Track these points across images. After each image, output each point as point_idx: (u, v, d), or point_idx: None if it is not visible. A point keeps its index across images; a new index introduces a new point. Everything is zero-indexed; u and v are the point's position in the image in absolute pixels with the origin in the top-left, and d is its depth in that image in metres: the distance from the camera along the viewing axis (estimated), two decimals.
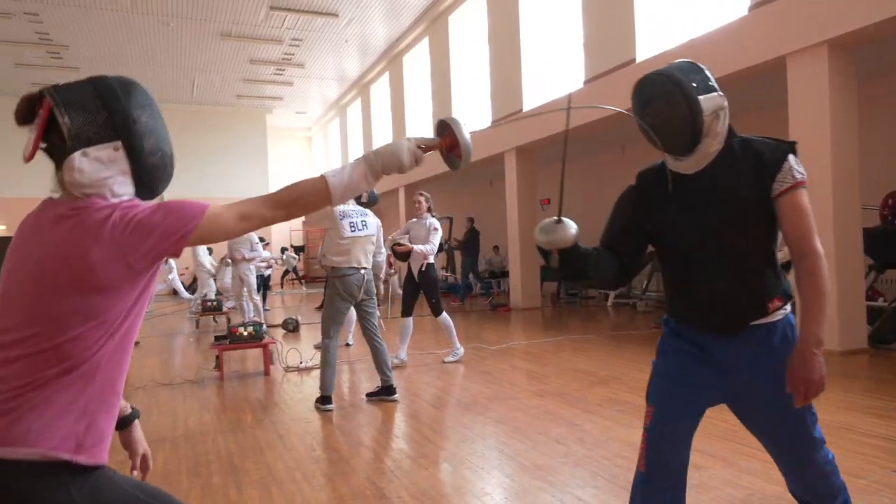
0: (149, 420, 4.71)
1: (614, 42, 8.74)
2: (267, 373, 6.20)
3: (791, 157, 1.72)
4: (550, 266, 1.87)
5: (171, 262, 15.19)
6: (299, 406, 4.98)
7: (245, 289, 9.77)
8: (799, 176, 1.70)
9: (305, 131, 27.20)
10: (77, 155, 1.24)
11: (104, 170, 1.26)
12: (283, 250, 18.14)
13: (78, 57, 16.71)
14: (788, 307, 1.78)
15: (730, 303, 1.74)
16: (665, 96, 1.72)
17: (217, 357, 6.13)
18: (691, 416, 1.80)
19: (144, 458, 1.63)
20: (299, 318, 9.60)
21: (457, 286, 14.76)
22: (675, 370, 1.83)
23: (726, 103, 1.75)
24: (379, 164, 1.43)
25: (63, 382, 1.19)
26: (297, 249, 22.42)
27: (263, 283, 11.02)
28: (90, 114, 1.26)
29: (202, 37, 15.76)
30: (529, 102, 11.08)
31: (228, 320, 9.54)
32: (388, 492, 3.10)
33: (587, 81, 9.32)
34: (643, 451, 1.79)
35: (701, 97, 1.69)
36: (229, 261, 10.46)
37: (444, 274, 13.92)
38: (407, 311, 6.41)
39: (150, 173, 1.35)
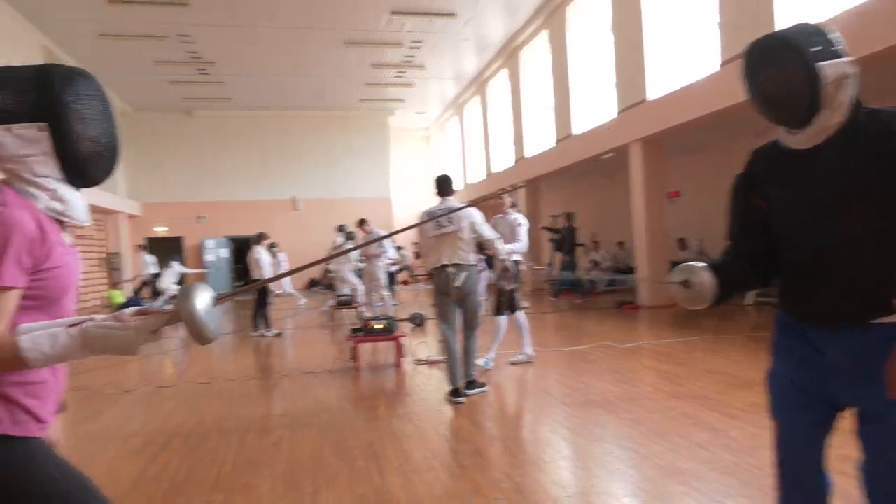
0: (295, 404, 5.08)
1: (755, 19, 8.15)
2: (398, 365, 6.45)
3: None
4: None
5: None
6: (431, 398, 5.14)
7: (374, 284, 10.23)
8: None
9: (424, 131, 27.86)
10: (1, 129, 1.31)
11: (25, 147, 1.31)
12: (399, 248, 18.75)
13: (223, 72, 18.26)
14: None
15: (847, 297, 1.54)
16: (779, 62, 1.53)
17: (353, 349, 6.47)
18: (820, 423, 1.64)
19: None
20: (424, 314, 9.88)
21: (578, 282, 14.47)
22: (792, 374, 1.66)
23: (854, 71, 1.52)
24: (100, 347, 1.27)
25: None
26: None
27: (390, 280, 11.46)
28: (20, 93, 1.32)
29: (329, 46, 16.64)
30: (654, 91, 10.62)
31: (360, 315, 10.03)
32: (524, 486, 3.12)
33: (724, 63, 8.77)
34: (777, 471, 1.67)
35: (822, 63, 1.49)
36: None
37: (538, 268, 13.60)
38: (498, 310, 6.23)
39: (77, 159, 1.37)
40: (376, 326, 6.42)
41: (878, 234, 1.53)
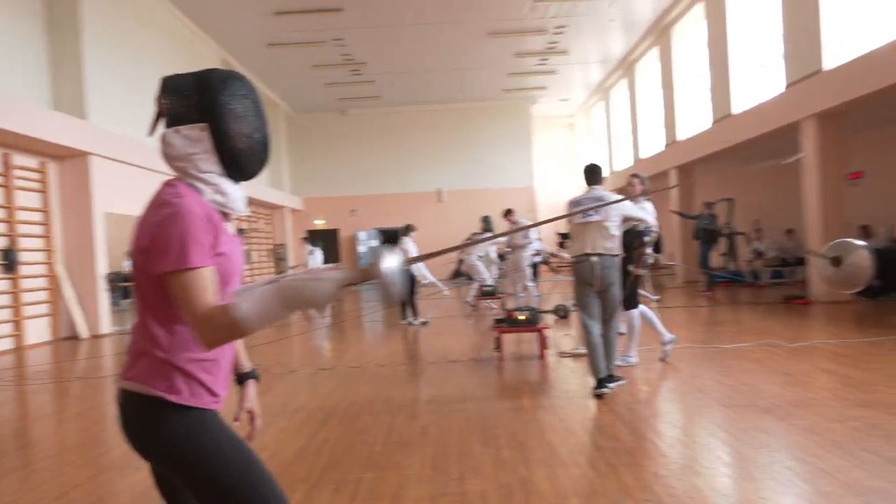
0: (442, 391, 5.21)
1: None
2: (542, 356, 6.38)
3: None
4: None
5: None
6: (575, 391, 5.01)
7: (518, 275, 10.21)
8: None
9: (568, 118, 27.24)
10: (170, 131, 1.46)
11: (191, 146, 1.44)
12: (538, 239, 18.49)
13: (373, 71, 19.18)
14: None
15: None
16: None
17: (497, 339, 6.50)
18: None
19: (251, 413, 1.79)
20: (569, 305, 9.68)
21: (738, 274, 13.35)
22: None
23: None
24: (295, 302, 1.31)
25: (158, 342, 1.42)
26: (564, 237, 22.69)
27: (534, 271, 11.38)
28: (185, 97, 1.45)
29: (472, 38, 16.81)
30: (832, 60, 9.43)
31: (503, 305, 10.07)
32: (679, 491, 2.93)
33: None
34: None
35: None
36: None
37: (669, 263, 12.58)
38: (630, 303, 5.69)
39: (234, 155, 1.47)
40: (519, 317, 6.39)
41: None
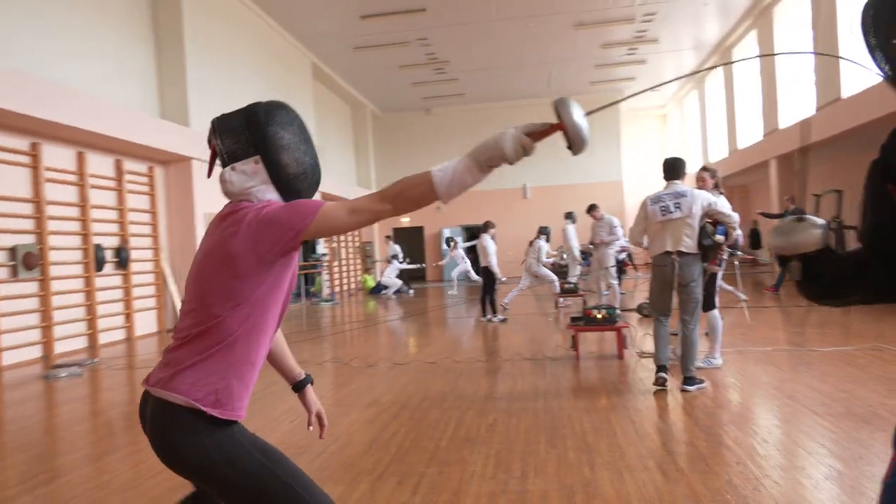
0: (514, 388, 5.18)
1: None
2: (620, 356, 6.18)
3: None
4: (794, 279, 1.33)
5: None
6: (658, 394, 4.82)
7: (602, 272, 9.95)
8: None
9: (659, 109, 26.19)
10: (227, 169, 1.55)
11: (248, 180, 1.53)
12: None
13: (457, 69, 19.30)
14: None
15: None
16: None
17: (573, 337, 6.37)
18: None
19: (319, 416, 1.87)
20: None
21: None
22: None
23: None
24: (483, 156, 1.38)
25: (209, 353, 1.46)
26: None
27: (619, 268, 11.05)
28: (236, 135, 1.54)
29: (557, 31, 16.51)
30: None
31: (584, 302, 9.86)
32: (754, 502, 2.75)
33: None
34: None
35: None
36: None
37: (749, 257, 11.64)
38: (707, 304, 5.33)
39: (288, 182, 1.55)
40: (598, 315, 6.23)
41: None
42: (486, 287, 9.82)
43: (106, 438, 4.46)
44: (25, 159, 8.12)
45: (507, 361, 6.42)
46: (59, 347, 8.47)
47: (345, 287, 20.05)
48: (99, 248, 9.21)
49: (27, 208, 8.12)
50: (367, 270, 21.74)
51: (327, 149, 19.84)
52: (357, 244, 21.99)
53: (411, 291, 17.50)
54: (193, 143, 10.92)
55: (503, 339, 8.09)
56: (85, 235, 9.05)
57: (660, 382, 4.73)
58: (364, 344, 8.49)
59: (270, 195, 1.55)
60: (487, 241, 9.88)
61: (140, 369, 7.26)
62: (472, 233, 21.02)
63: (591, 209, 10.56)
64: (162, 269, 10.77)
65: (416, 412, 4.58)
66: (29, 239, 8.08)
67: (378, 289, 17.97)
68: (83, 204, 9.05)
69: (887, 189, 1.21)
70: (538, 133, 1.40)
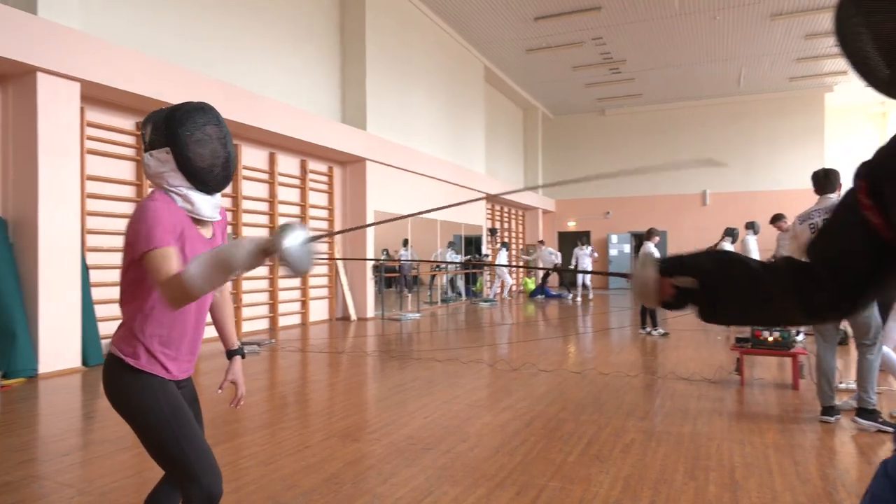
0: (660, 408, 4.80)
1: None
2: (795, 387, 5.44)
3: None
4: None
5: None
6: (831, 434, 4.17)
7: None
8: None
9: (878, 106, 22.71)
10: (146, 154, 1.84)
11: (160, 166, 1.81)
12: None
13: (633, 68, 18.46)
14: None
15: None
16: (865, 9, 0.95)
17: (738, 360, 5.74)
18: None
19: (233, 384, 2.21)
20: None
21: None
22: None
23: None
24: (225, 262, 1.50)
25: (134, 318, 1.82)
26: None
27: None
28: (157, 128, 1.82)
29: (750, 24, 15.06)
30: None
31: None
32: None
33: None
34: None
35: None
36: None
37: None
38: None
39: (195, 173, 1.81)
40: (768, 338, 5.54)
41: None
42: None
43: (279, 409, 4.93)
44: None
45: (660, 379, 5.97)
46: (246, 327, 9.56)
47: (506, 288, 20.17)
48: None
49: (226, 202, 9.28)
50: (527, 273, 21.65)
51: (496, 152, 20.10)
52: (521, 247, 22.00)
53: (571, 296, 17.07)
54: (369, 145, 11.69)
55: (660, 355, 7.55)
56: (272, 229, 10.12)
57: (824, 422, 4.29)
58: (511, 347, 8.44)
59: (178, 181, 1.82)
60: (650, 249, 9.29)
61: (311, 352, 7.93)
62: (640, 239, 19.97)
63: (777, 219, 9.44)
64: (335, 261, 11.67)
65: (549, 422, 4.44)
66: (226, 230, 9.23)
67: (537, 292, 17.82)
68: (272, 199, 10.12)
69: (864, 214, 1.14)
70: (263, 249, 1.50)
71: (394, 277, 13.24)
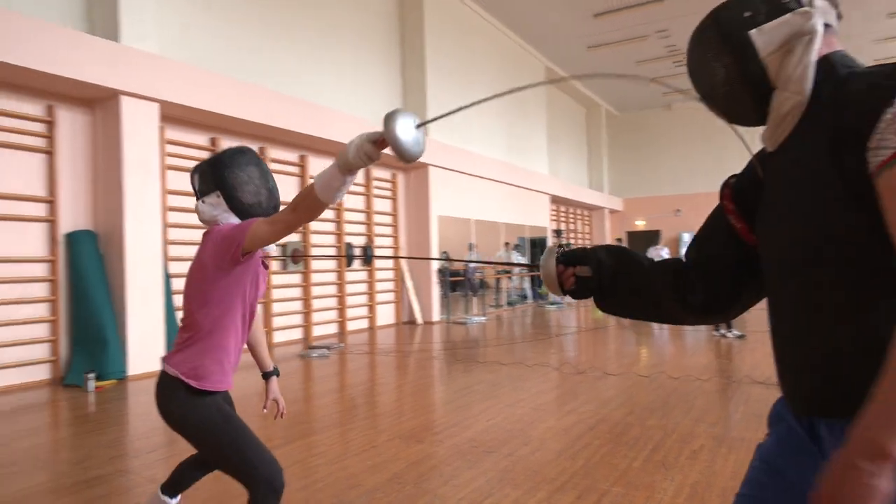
0: (734, 414, 4.63)
1: None
2: None
3: None
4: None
5: None
6: None
7: None
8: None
9: None
10: (198, 202, 2.09)
11: (213, 210, 2.06)
12: None
13: None
14: None
15: (817, 365, 1.02)
16: (704, 44, 1.17)
17: None
18: None
19: (275, 402, 2.44)
20: None
21: None
22: (773, 452, 1.18)
23: (815, 25, 1.04)
24: (341, 161, 1.53)
25: (193, 343, 2.03)
26: None
27: None
28: (205, 176, 2.07)
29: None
30: None
31: None
32: None
33: None
34: None
35: (753, 30, 1.08)
36: None
37: None
38: None
39: (243, 210, 2.06)
40: None
41: (856, 266, 0.97)
42: None
43: (347, 410, 5.09)
44: (295, 169, 9.63)
45: (734, 383, 5.75)
46: (316, 331, 9.88)
47: None
48: (349, 246, 10.52)
49: None
50: None
51: (558, 152, 19.88)
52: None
53: None
54: (431, 151, 11.83)
55: (735, 358, 7.27)
56: (338, 235, 10.42)
57: None
58: (578, 350, 8.33)
59: (233, 219, 2.05)
60: None
61: (379, 355, 8.11)
62: None
63: None
64: (400, 266, 11.88)
65: (615, 427, 4.37)
66: (296, 237, 9.57)
67: None
68: (338, 207, 10.42)
69: (728, 218, 1.28)
70: (378, 142, 1.47)
71: (459, 281, 13.32)
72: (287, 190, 9.46)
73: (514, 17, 14.72)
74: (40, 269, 6.45)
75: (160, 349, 6.99)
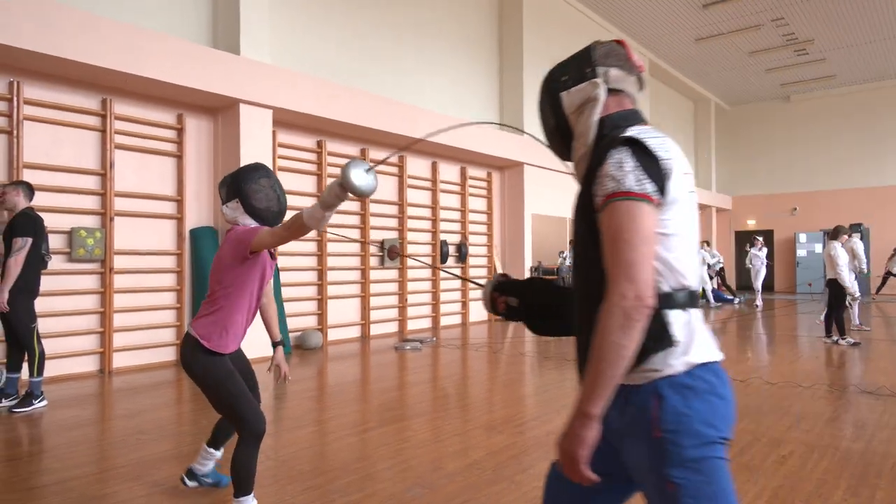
0: (830, 421, 4.40)
1: None
2: None
3: (617, 153, 1.28)
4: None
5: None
6: None
7: None
8: (612, 185, 1.25)
9: None
10: (223, 206, 2.77)
11: (234, 212, 2.73)
12: None
13: (823, 48, 16.60)
14: (666, 367, 1.26)
15: (581, 352, 1.37)
16: (540, 96, 1.55)
17: None
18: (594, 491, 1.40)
19: (277, 367, 3.04)
20: None
21: None
22: None
23: (599, 93, 1.40)
24: (322, 200, 2.16)
25: (210, 312, 2.67)
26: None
27: None
28: (228, 187, 2.74)
29: None
30: None
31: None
32: None
33: None
34: None
35: (563, 92, 1.46)
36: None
37: None
38: None
39: (259, 215, 2.72)
40: None
41: (595, 276, 1.31)
42: (833, 303, 8.34)
43: (437, 399, 5.35)
44: (394, 169, 10.05)
45: (837, 391, 5.43)
46: (410, 325, 10.26)
47: None
48: (444, 243, 10.82)
49: (393, 209, 10.05)
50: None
51: None
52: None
53: (738, 301, 15.65)
54: (527, 150, 11.90)
55: (845, 366, 6.81)
56: (434, 232, 10.75)
57: None
58: None
59: (248, 221, 2.72)
60: (836, 249, 8.37)
61: (470, 350, 8.34)
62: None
63: None
64: (494, 263, 12.05)
65: None
66: (393, 234, 10.00)
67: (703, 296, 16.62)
68: (434, 206, 10.75)
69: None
70: (335, 190, 2.11)
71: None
72: (387, 191, 9.90)
73: (617, 12, 14.42)
74: (169, 262, 7.23)
75: (264, 335, 7.58)
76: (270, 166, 7.74)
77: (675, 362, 1.27)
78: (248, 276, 2.64)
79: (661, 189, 1.26)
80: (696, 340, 1.29)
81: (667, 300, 1.28)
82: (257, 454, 2.65)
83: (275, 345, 3.04)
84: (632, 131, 1.32)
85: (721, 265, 16.05)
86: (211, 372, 2.61)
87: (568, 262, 13.88)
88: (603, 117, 1.41)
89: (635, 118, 1.41)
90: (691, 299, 1.32)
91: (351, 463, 3.65)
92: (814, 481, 3.26)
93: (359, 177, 2.02)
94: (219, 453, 3.09)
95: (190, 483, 3.12)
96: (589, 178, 1.33)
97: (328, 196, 2.10)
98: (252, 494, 2.66)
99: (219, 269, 2.66)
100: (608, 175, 1.27)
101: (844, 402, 5.03)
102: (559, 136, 1.50)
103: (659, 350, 1.26)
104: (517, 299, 1.66)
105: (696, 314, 1.33)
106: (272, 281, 3.13)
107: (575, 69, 1.46)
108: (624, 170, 1.26)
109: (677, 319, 1.28)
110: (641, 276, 1.20)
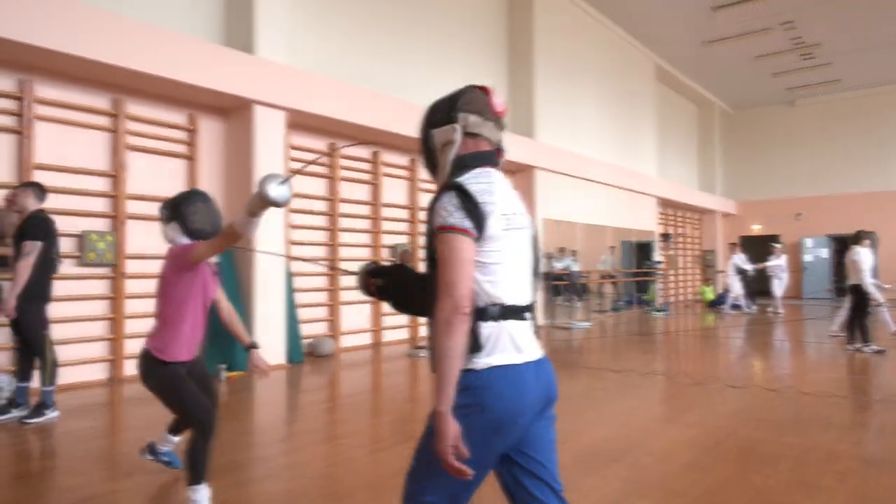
0: (881, 438, 4.24)
1: None
2: None
3: (447, 195, 1.57)
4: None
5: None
6: None
7: None
8: (441, 219, 1.56)
9: None
10: (163, 227, 3.03)
11: (172, 232, 3.00)
12: None
13: (830, 52, 16.53)
14: (471, 364, 1.57)
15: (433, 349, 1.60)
16: (420, 127, 1.78)
17: None
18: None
19: (256, 365, 3.16)
20: None
21: None
22: None
23: (456, 137, 1.68)
24: (248, 209, 2.43)
25: (161, 328, 2.95)
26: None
27: None
28: (169, 210, 3.01)
29: None
30: None
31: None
32: None
33: None
34: None
35: (434, 130, 1.72)
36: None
37: None
38: None
39: (192, 233, 2.99)
40: None
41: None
42: (856, 309, 8.20)
43: None
44: (405, 173, 9.88)
45: (878, 402, 5.27)
46: (422, 331, 10.07)
47: (680, 297, 19.03)
48: None
49: (404, 213, 9.88)
50: (706, 281, 20.22)
51: (668, 153, 19.09)
52: (697, 252, 20.63)
53: (754, 307, 15.47)
54: (537, 153, 11.76)
55: (876, 374, 6.66)
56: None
57: None
58: (694, 360, 7.96)
59: (184, 240, 2.98)
60: (860, 255, 8.23)
61: None
62: (843, 243, 17.70)
63: None
64: None
65: (744, 441, 4.14)
66: (404, 239, 9.82)
67: (717, 301, 16.53)
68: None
69: None
70: (254, 206, 2.39)
71: (563, 286, 13.11)
72: (398, 194, 9.73)
73: (626, 14, 14.31)
74: None
75: (281, 344, 7.40)
76: (282, 167, 7.56)
77: (479, 361, 1.57)
78: (190, 290, 2.94)
79: (479, 226, 1.55)
80: (499, 347, 1.58)
81: (481, 314, 1.57)
82: (208, 448, 2.92)
83: (249, 347, 3.20)
84: (466, 176, 1.61)
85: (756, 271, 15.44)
86: (164, 379, 2.92)
87: (606, 265, 13.86)
88: (458, 156, 1.68)
89: (483, 160, 1.68)
90: (505, 313, 1.59)
91: (379, 479, 3.47)
92: (881, 500, 3.09)
93: (274, 189, 2.30)
94: (176, 439, 3.49)
95: (148, 456, 3.49)
96: (432, 208, 1.60)
97: (252, 206, 2.38)
98: (205, 483, 2.90)
99: (163, 286, 2.95)
100: (439, 211, 1.56)
101: (885, 413, 4.87)
102: (430, 164, 1.77)
103: (471, 351, 1.56)
104: (383, 280, 1.86)
105: (510, 325, 1.60)
106: (225, 294, 3.34)
107: (444, 111, 1.72)
108: (449, 209, 1.55)
109: (486, 330, 1.58)
110: (458, 292, 1.50)
